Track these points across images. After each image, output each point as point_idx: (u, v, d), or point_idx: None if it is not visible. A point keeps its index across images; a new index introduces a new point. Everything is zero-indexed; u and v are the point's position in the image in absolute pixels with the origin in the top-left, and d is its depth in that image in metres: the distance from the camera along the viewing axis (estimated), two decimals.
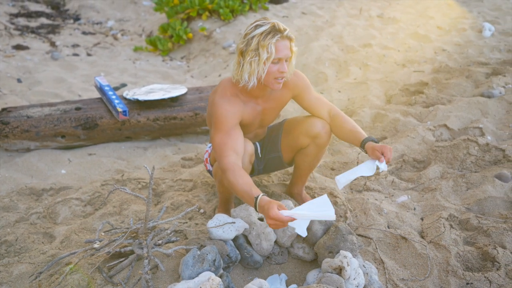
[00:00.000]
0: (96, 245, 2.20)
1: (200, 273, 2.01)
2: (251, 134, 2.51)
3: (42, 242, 2.54)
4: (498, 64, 4.83)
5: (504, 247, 2.38)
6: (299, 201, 2.78)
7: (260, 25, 2.09)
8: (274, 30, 2.07)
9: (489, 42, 5.75)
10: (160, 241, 2.33)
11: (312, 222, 2.37)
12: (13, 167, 3.33)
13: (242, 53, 2.14)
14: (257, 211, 1.92)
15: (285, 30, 2.10)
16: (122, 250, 2.27)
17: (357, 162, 3.30)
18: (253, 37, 2.09)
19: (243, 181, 1.99)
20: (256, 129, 2.52)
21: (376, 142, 2.26)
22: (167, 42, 6.61)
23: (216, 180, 2.45)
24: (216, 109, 2.19)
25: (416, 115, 3.96)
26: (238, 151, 2.14)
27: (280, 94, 2.38)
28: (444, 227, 2.53)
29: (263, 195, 1.90)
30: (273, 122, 2.59)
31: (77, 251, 2.26)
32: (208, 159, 2.61)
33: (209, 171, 2.65)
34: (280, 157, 2.60)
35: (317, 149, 2.49)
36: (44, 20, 7.90)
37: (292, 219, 1.84)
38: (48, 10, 8.56)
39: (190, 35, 6.65)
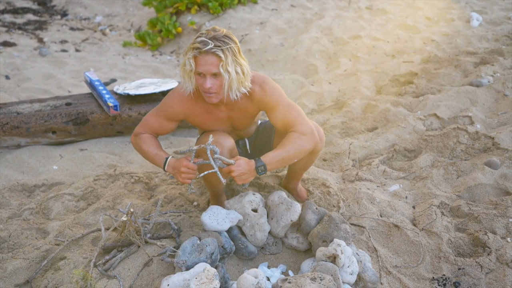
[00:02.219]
0: (123, 218, 2.18)
1: (196, 263, 2.02)
2: (232, 134, 2.52)
3: (36, 238, 2.53)
4: (486, 53, 4.87)
5: (494, 233, 2.42)
6: (295, 194, 2.79)
7: (197, 36, 2.08)
8: (198, 44, 2.03)
9: (477, 32, 5.79)
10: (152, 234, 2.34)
11: (305, 212, 2.39)
12: (4, 164, 3.31)
13: None
14: (165, 171, 2.25)
15: (208, 44, 2.01)
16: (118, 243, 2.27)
17: (349, 153, 3.32)
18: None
19: (153, 145, 2.32)
20: (233, 131, 2.52)
21: (258, 171, 2.17)
22: (156, 37, 6.57)
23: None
24: (166, 97, 2.35)
25: (406, 105, 3.99)
26: (157, 133, 2.41)
27: (245, 105, 2.32)
28: (436, 214, 2.56)
29: (172, 157, 2.24)
30: (249, 127, 2.57)
31: (85, 232, 2.27)
32: None
33: None
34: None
35: (311, 154, 2.46)
36: (31, 16, 7.80)
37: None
38: (34, 6, 8.46)
39: (179, 29, 6.62)
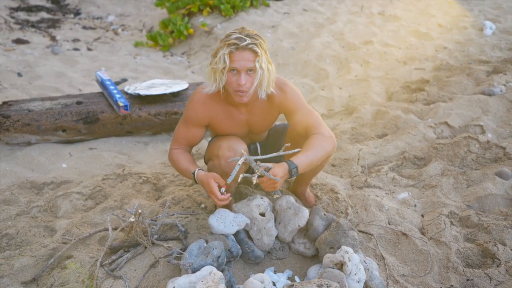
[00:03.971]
0: (131, 219, 2.16)
1: (202, 265, 2.01)
2: (246, 138, 2.52)
3: (43, 236, 2.54)
4: (499, 62, 4.83)
5: (504, 244, 2.39)
6: (303, 199, 2.78)
7: (229, 34, 2.08)
8: (235, 40, 2.03)
9: (490, 40, 5.75)
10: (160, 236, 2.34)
11: (313, 218, 2.37)
12: (13, 161, 3.33)
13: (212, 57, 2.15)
14: (196, 183, 2.24)
15: (246, 40, 2.03)
16: (125, 243, 2.27)
17: (358, 159, 3.30)
18: (218, 45, 2.11)
19: (183, 159, 2.29)
20: (249, 135, 2.51)
21: (291, 173, 2.11)
22: (167, 38, 6.60)
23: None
24: (188, 104, 2.32)
25: (417, 112, 3.96)
26: (191, 143, 2.38)
27: (265, 108, 2.32)
28: (445, 224, 2.54)
29: (199, 169, 2.21)
30: (265, 131, 2.56)
31: (92, 232, 2.28)
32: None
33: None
34: (282, 157, 2.58)
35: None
36: (44, 15, 7.87)
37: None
38: (48, 5, 8.53)
39: (191, 30, 6.64)
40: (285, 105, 2.29)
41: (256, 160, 2.08)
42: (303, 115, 2.28)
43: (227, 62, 2.05)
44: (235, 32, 2.08)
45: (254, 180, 2.02)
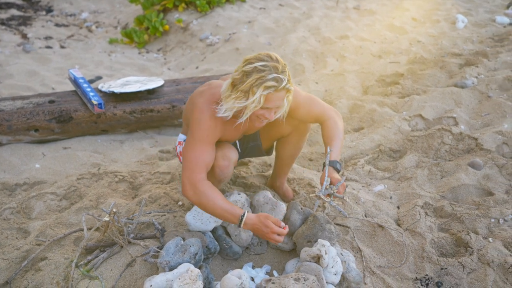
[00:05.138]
0: (106, 218, 2.15)
1: (180, 263, 2.00)
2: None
3: (16, 238, 2.49)
4: (471, 55, 4.92)
5: (476, 233, 2.44)
6: (281, 194, 2.79)
7: (262, 69, 1.94)
8: (273, 82, 1.93)
9: (462, 33, 5.85)
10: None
11: (290, 212, 2.38)
12: None
13: (233, 85, 2.01)
14: (239, 227, 2.07)
15: (283, 82, 1.95)
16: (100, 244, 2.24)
17: None
18: (249, 76, 1.95)
19: (220, 196, 2.07)
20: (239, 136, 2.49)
21: (338, 170, 2.21)
22: (143, 34, 6.52)
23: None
24: (199, 123, 2.12)
25: (392, 106, 4.01)
26: (209, 167, 2.16)
27: None
28: (420, 214, 2.58)
29: (247, 211, 2.08)
30: (257, 130, 2.54)
31: (67, 232, 2.24)
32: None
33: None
34: (259, 145, 2.58)
35: (298, 137, 2.48)
36: (14, 12, 7.68)
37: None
38: (19, 1, 8.32)
39: (167, 27, 6.57)
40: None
41: (329, 194, 2.13)
42: (306, 108, 2.30)
43: (262, 102, 1.97)
44: (269, 68, 1.94)
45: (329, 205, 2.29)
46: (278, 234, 2.04)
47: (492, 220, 2.52)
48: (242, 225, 2.05)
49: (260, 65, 1.95)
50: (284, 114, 2.13)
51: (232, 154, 2.29)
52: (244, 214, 2.04)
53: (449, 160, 3.17)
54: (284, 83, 1.95)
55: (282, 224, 2.05)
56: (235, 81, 2.00)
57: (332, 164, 2.18)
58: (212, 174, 2.28)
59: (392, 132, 3.53)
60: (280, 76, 1.95)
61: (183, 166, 2.12)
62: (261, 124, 2.14)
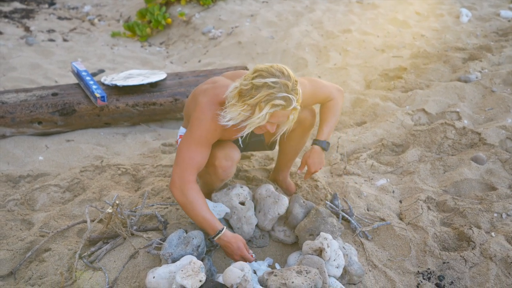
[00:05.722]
0: (109, 210, 2.18)
1: (182, 255, 2.01)
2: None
3: (20, 229, 2.50)
4: (474, 49, 4.90)
5: (479, 227, 2.44)
6: (283, 187, 2.79)
7: (272, 86, 1.89)
8: (282, 101, 1.90)
9: (466, 27, 5.82)
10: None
11: (292, 205, 2.39)
12: None
13: (240, 95, 1.94)
14: (211, 240, 2.17)
15: (292, 102, 1.92)
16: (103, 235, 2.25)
17: (337, 147, 3.33)
18: (258, 91, 1.90)
19: (204, 204, 2.12)
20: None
21: (324, 148, 2.36)
22: (145, 28, 6.51)
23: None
24: (200, 123, 2.10)
25: (395, 100, 4.00)
26: (201, 167, 2.17)
27: None
28: (422, 209, 2.58)
29: (226, 228, 2.12)
30: None
31: (71, 224, 2.25)
32: None
33: None
34: (262, 140, 2.57)
35: (303, 132, 2.48)
36: (17, 5, 7.67)
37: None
38: None
39: (169, 20, 6.56)
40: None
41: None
42: (311, 95, 2.29)
43: (267, 118, 1.94)
44: (279, 85, 1.90)
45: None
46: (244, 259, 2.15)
47: (495, 214, 2.52)
48: (216, 238, 2.11)
49: (271, 82, 1.89)
50: (288, 129, 2.14)
51: (234, 154, 2.28)
52: (222, 229, 2.11)
53: (452, 155, 3.17)
54: (293, 105, 1.93)
55: (251, 252, 2.17)
56: (242, 92, 1.94)
57: (320, 143, 2.35)
58: (215, 174, 2.28)
59: (395, 126, 3.53)
60: (290, 96, 1.91)
61: (176, 161, 2.12)
62: (261, 132, 2.12)
